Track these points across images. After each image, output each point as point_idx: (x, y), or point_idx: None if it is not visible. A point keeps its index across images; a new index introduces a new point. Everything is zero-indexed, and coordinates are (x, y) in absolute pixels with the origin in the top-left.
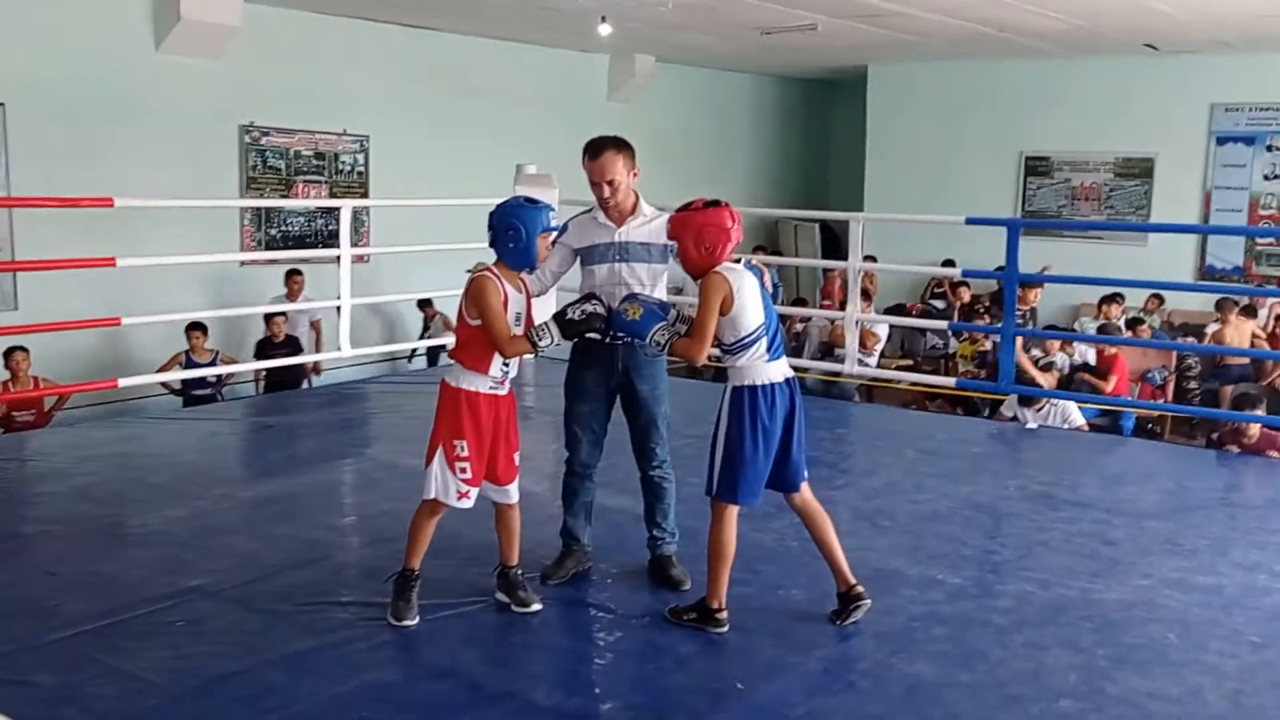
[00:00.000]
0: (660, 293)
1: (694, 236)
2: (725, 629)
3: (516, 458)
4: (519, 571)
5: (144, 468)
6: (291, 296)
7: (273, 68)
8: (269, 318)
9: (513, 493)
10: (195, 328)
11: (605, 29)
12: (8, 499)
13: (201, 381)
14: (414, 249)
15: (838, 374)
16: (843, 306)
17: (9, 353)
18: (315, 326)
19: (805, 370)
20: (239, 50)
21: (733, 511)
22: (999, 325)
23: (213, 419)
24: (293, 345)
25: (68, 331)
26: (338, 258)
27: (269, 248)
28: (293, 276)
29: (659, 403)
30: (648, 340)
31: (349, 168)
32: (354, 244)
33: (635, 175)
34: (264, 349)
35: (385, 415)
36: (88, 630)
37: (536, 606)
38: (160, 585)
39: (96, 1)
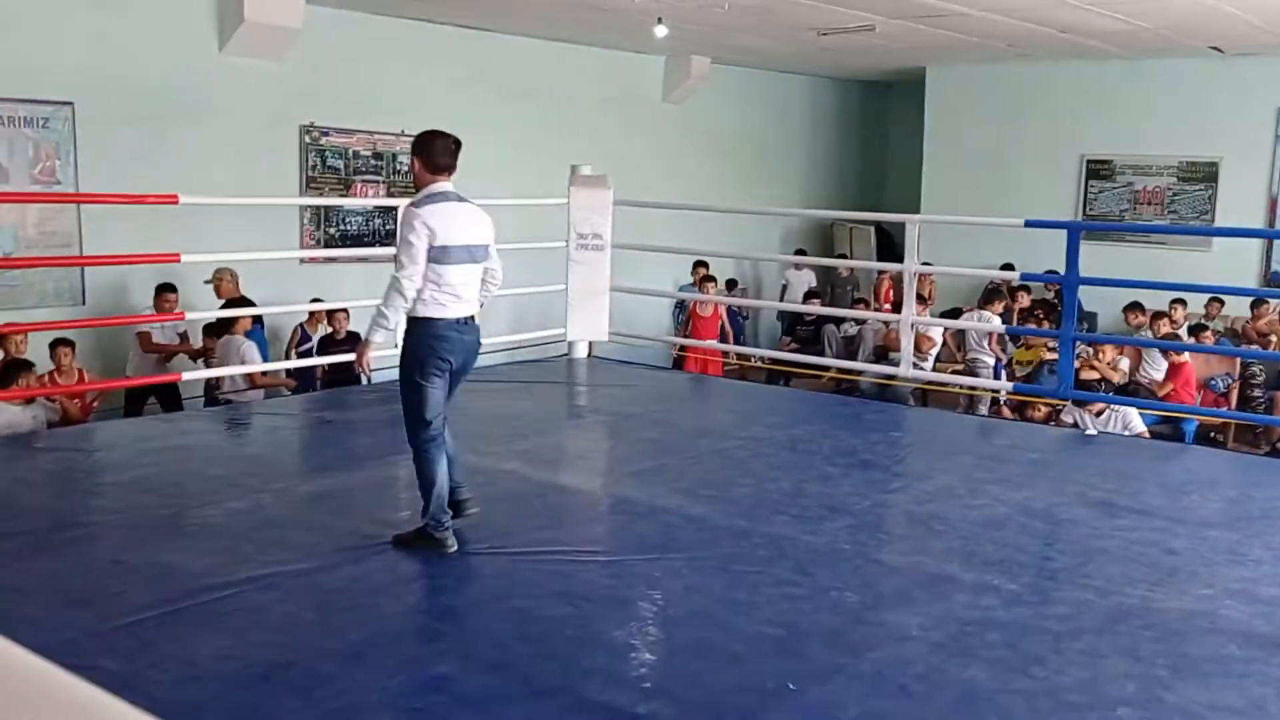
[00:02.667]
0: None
1: None
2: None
3: None
4: None
5: (205, 460)
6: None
7: (333, 69)
8: (330, 314)
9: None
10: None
11: (661, 30)
12: (74, 489)
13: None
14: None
15: (892, 377)
16: (898, 309)
17: (55, 345)
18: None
19: (860, 373)
20: (300, 51)
21: None
22: (1057, 330)
23: (272, 413)
24: (354, 341)
25: (130, 325)
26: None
27: (328, 246)
28: (164, 294)
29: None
30: None
31: (407, 168)
32: None
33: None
34: (325, 345)
35: None
36: (149, 618)
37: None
38: (219, 575)
39: (163, 4)
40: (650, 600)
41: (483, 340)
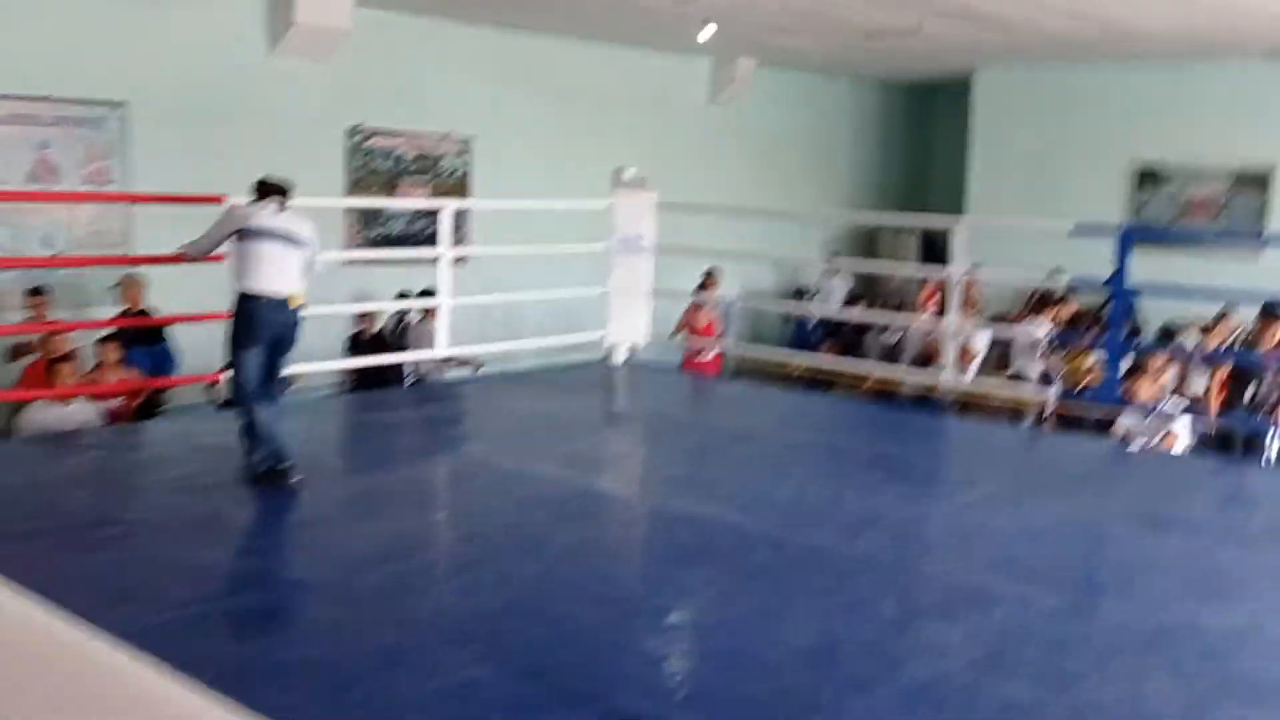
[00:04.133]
0: None
1: None
2: None
3: None
4: None
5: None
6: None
7: (379, 70)
8: (363, 313)
9: None
10: None
11: (708, 32)
12: (117, 486)
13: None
14: (510, 250)
15: (934, 385)
16: (941, 316)
17: (102, 341)
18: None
19: (901, 380)
20: (348, 53)
21: None
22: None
23: (311, 414)
24: (380, 341)
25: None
26: (436, 259)
27: (372, 246)
28: (34, 296)
29: None
30: None
31: (451, 170)
32: (455, 244)
33: None
34: (354, 343)
35: (480, 414)
36: (187, 616)
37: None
38: (256, 575)
39: (215, 6)
40: (685, 608)
41: (523, 343)
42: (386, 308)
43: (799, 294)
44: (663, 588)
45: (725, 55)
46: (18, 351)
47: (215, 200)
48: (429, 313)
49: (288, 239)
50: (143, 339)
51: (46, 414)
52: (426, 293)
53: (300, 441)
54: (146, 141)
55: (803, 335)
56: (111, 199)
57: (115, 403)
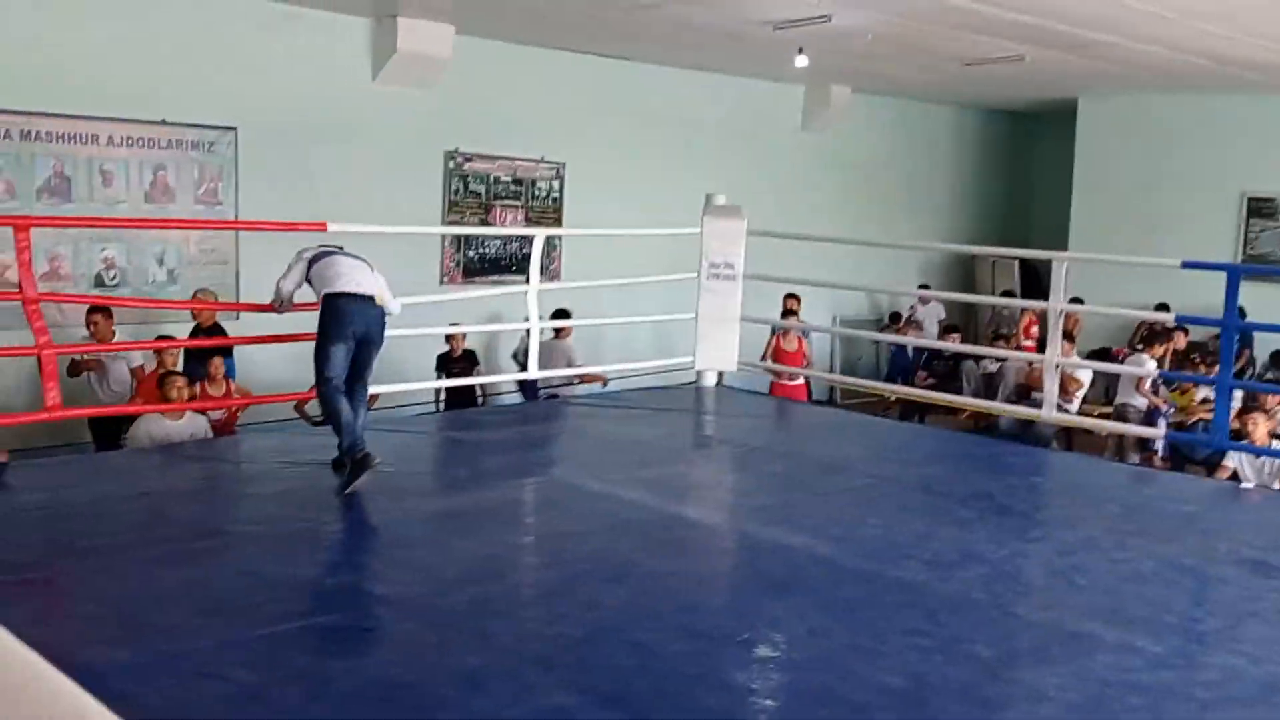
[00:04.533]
0: None
1: None
2: None
3: None
4: None
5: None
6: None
7: (477, 96)
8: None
9: None
10: None
11: (802, 60)
12: (216, 498)
13: None
14: (598, 284)
15: (1033, 419)
16: (1042, 348)
17: (207, 357)
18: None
19: (998, 412)
20: (447, 80)
21: None
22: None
23: (402, 432)
24: (469, 360)
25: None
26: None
27: (467, 269)
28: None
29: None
30: None
31: (545, 193)
32: (545, 267)
33: None
34: (444, 364)
35: (568, 435)
36: (281, 631)
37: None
38: (348, 592)
39: (322, 35)
40: (772, 642)
41: (611, 367)
42: (510, 328)
43: (892, 322)
44: (750, 619)
45: (820, 82)
46: (75, 368)
47: (318, 227)
48: (560, 332)
49: (361, 259)
50: (219, 354)
51: (158, 427)
52: (561, 313)
53: (393, 459)
54: (255, 164)
55: (895, 364)
56: (218, 226)
57: (218, 415)
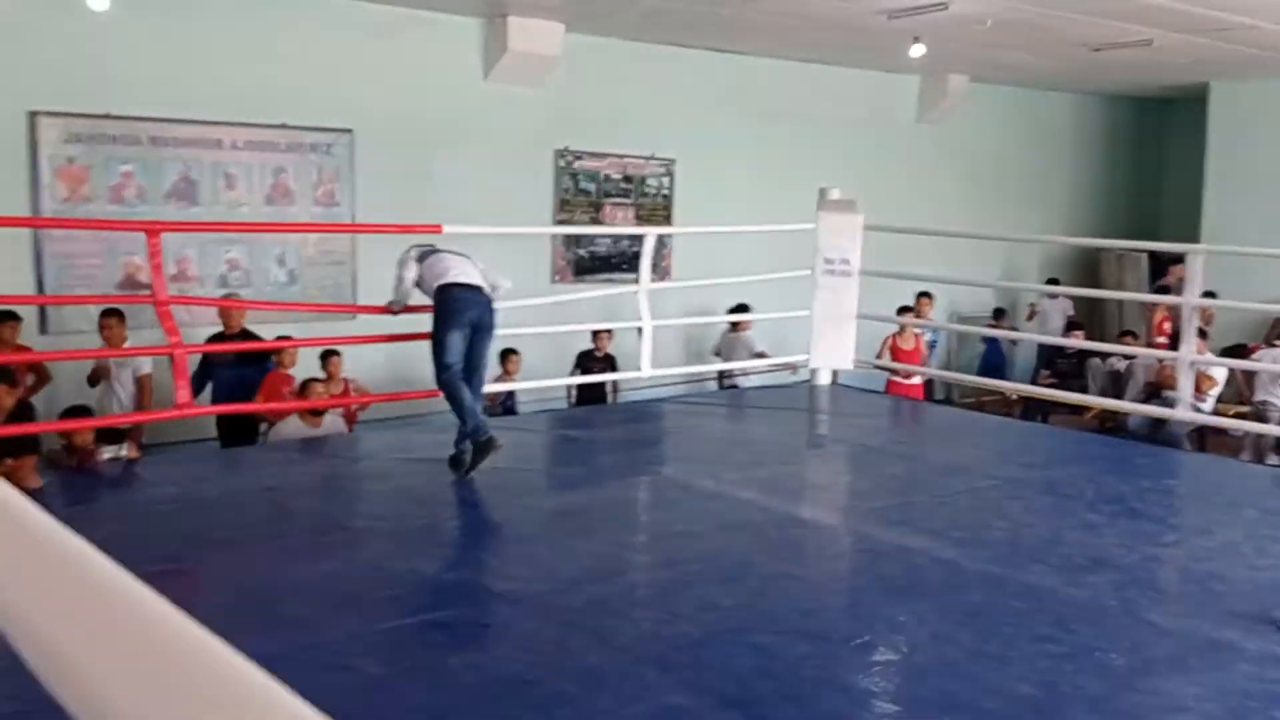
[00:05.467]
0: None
1: None
2: None
3: None
4: None
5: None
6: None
7: (587, 94)
8: (595, 333)
9: None
10: (511, 353)
11: (918, 50)
12: (342, 494)
13: (511, 396)
14: (711, 282)
15: (1164, 419)
16: (1174, 345)
17: (326, 355)
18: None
19: (1128, 412)
20: (558, 78)
21: None
22: None
23: (520, 430)
24: (609, 362)
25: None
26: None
27: (578, 267)
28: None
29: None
30: None
31: (655, 191)
32: (656, 265)
33: None
34: (584, 361)
35: (681, 435)
36: (407, 625)
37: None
38: (469, 588)
39: (434, 36)
40: (894, 646)
41: (725, 364)
42: (624, 325)
43: (995, 318)
44: (870, 623)
45: (936, 72)
46: (96, 376)
47: (433, 229)
48: (737, 326)
49: (462, 254)
50: (245, 360)
51: (299, 429)
52: (740, 307)
53: (512, 456)
54: (370, 165)
55: (987, 362)
56: (341, 229)
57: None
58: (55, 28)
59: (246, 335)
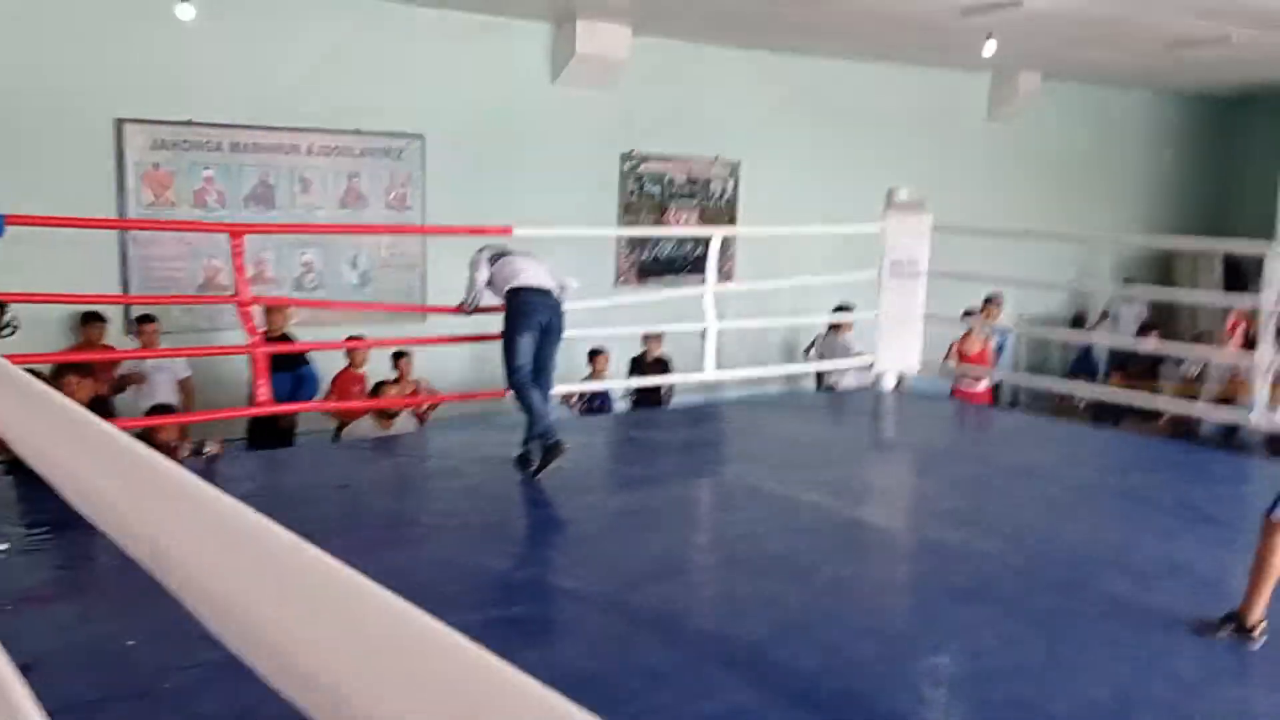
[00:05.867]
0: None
1: None
2: (1257, 645)
3: None
4: None
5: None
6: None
7: (653, 96)
8: (648, 336)
9: None
10: (597, 353)
11: (991, 47)
12: (412, 491)
13: (604, 395)
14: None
15: (1238, 425)
16: (1248, 349)
17: (398, 356)
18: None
19: (1201, 416)
20: (624, 81)
21: None
22: None
23: (582, 431)
24: (662, 365)
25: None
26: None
27: (642, 270)
28: (144, 324)
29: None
30: None
31: (719, 193)
32: (720, 267)
33: None
34: (637, 365)
35: (747, 436)
36: (475, 621)
37: (5, 546)
38: (537, 585)
39: (503, 41)
40: (964, 649)
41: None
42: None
43: (1082, 321)
44: (939, 626)
45: (1007, 69)
46: (125, 381)
47: (505, 231)
48: (836, 328)
49: (532, 255)
50: (283, 363)
51: (371, 430)
52: (843, 307)
53: (577, 456)
54: (440, 169)
55: (1087, 365)
56: (413, 231)
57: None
58: (142, 38)
59: (286, 338)
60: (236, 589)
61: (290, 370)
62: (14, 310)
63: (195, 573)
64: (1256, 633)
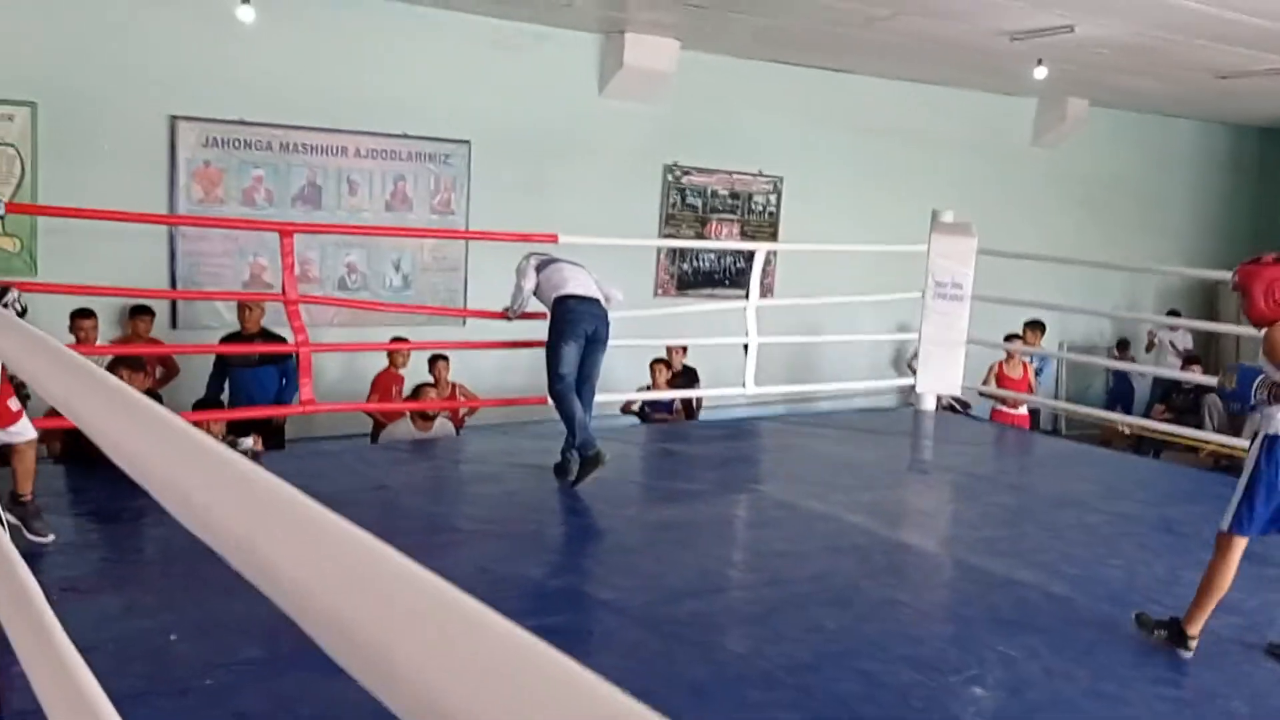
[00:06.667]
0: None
1: (1264, 289)
2: (1190, 654)
3: (12, 403)
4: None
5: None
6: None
7: (697, 110)
8: (671, 347)
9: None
10: (658, 362)
11: (1041, 72)
12: (451, 496)
13: (667, 405)
14: (820, 301)
15: None
16: None
17: (434, 360)
18: None
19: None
20: (669, 94)
21: (1235, 544)
22: None
23: (622, 441)
24: (689, 376)
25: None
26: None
27: (681, 282)
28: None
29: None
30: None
31: (761, 208)
32: (761, 282)
33: None
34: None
35: (782, 453)
36: None
37: (50, 537)
38: (573, 595)
39: (553, 52)
40: (1005, 680)
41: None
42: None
43: (1119, 349)
44: (980, 655)
45: (1054, 95)
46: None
47: (549, 238)
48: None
49: (578, 264)
50: (264, 361)
51: (410, 432)
52: None
53: (612, 470)
54: (485, 175)
55: (1129, 395)
56: (460, 236)
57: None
58: (198, 37)
59: (266, 335)
60: (323, 588)
61: (274, 367)
62: (17, 293)
63: (305, 589)
64: (1192, 644)
